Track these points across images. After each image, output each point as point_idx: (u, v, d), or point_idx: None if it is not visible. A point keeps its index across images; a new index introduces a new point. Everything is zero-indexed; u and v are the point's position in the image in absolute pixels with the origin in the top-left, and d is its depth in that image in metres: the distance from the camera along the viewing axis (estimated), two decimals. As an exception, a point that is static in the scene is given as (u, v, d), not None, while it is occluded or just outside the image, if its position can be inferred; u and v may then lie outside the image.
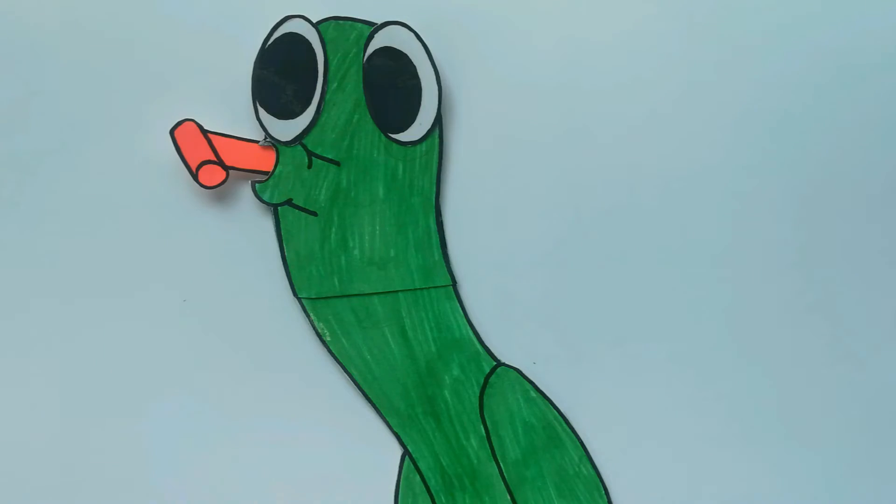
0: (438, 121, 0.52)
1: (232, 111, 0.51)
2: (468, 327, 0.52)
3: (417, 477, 0.51)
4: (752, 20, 0.53)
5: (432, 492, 0.51)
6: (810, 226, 0.53)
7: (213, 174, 0.50)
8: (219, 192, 0.51)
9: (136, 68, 0.52)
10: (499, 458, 0.51)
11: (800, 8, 0.53)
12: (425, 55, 0.51)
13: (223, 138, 0.51)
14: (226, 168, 0.50)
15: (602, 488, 0.52)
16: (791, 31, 0.53)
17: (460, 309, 0.52)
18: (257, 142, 0.51)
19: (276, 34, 0.50)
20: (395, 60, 0.51)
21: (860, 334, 0.53)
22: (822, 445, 0.53)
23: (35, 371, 0.51)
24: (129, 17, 0.52)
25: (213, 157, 0.50)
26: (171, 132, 0.50)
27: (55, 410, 0.51)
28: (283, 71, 0.51)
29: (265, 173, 0.51)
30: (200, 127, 0.50)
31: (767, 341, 0.53)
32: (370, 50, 0.51)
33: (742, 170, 0.53)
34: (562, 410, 0.52)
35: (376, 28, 0.51)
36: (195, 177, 0.50)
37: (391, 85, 0.51)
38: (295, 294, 0.51)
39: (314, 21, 0.51)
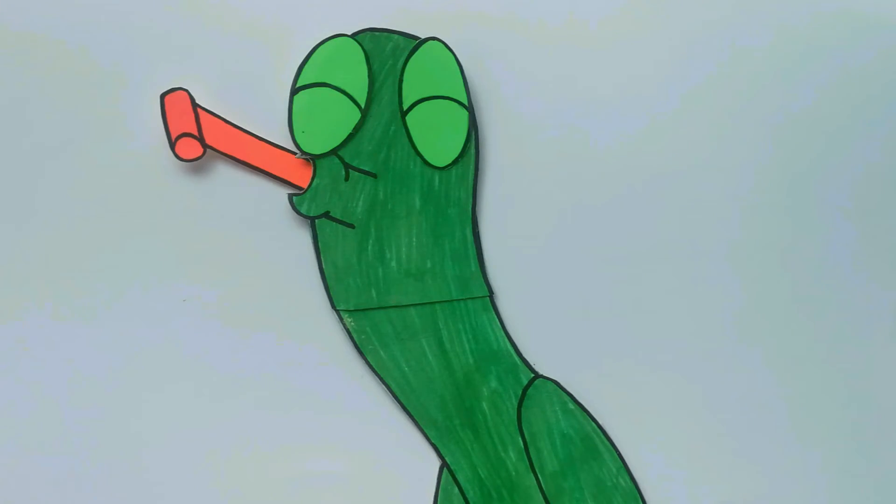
0: (473, 132, 0.52)
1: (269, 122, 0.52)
2: (505, 339, 0.52)
3: (456, 489, 0.51)
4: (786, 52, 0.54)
5: (471, 504, 0.51)
6: (813, 226, 0.53)
7: (189, 147, 0.50)
8: (257, 204, 0.52)
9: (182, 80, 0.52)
10: (537, 469, 0.51)
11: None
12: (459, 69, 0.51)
13: (212, 117, 0.51)
14: (205, 146, 0.50)
15: (640, 500, 0.51)
16: (799, 66, 0.54)
17: (497, 320, 0.52)
18: (294, 153, 0.51)
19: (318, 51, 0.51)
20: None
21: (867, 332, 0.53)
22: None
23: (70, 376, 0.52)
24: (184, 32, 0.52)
25: (194, 132, 0.50)
26: (162, 97, 0.50)
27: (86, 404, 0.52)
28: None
29: (248, 165, 0.51)
30: (192, 99, 0.50)
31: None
32: (409, 63, 0.51)
33: (784, 193, 0.53)
34: (599, 422, 0.52)
35: (419, 43, 0.51)
36: (172, 146, 0.50)
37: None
38: (333, 306, 0.51)
39: (350, 33, 0.51)
